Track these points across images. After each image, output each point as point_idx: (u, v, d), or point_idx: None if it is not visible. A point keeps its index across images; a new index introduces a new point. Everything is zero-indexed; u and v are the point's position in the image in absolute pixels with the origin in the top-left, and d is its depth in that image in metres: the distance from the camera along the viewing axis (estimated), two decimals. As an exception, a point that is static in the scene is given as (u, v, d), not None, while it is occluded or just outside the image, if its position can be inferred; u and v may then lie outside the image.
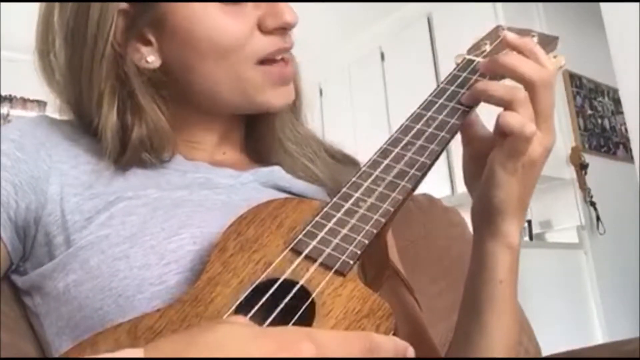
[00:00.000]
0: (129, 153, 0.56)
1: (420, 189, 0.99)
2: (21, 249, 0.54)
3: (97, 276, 0.49)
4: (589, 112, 3.37)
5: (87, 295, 0.49)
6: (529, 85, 0.51)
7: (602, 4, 2.24)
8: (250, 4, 0.57)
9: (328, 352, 0.32)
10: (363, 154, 0.59)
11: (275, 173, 0.62)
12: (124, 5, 0.54)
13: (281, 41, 0.59)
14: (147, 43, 0.57)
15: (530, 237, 3.11)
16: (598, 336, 2.91)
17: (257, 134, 0.67)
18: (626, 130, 2.36)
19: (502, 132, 0.49)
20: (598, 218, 3.08)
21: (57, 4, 0.57)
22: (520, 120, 0.48)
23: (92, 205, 0.53)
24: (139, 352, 0.31)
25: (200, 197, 0.56)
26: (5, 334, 0.53)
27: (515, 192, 0.51)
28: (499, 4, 3.13)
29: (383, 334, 0.38)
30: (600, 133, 3.40)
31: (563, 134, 3.19)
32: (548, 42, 0.59)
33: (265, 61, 0.58)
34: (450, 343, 0.59)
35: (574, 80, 3.32)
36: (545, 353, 0.86)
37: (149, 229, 0.51)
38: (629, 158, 2.82)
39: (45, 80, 0.61)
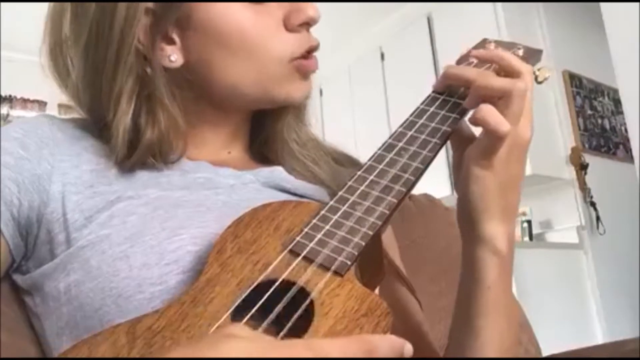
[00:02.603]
0: (136, 156, 0.56)
1: (421, 189, 0.99)
2: (23, 246, 0.54)
3: (98, 276, 0.49)
4: (589, 112, 3.37)
5: (87, 295, 0.49)
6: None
7: (602, 4, 2.24)
8: (273, 4, 0.58)
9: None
10: (363, 154, 0.60)
11: (277, 173, 0.62)
12: (150, 4, 0.55)
13: (309, 39, 0.60)
14: (171, 42, 0.57)
15: (530, 237, 3.11)
16: (598, 336, 2.90)
17: (263, 135, 0.67)
18: (626, 130, 2.36)
19: (475, 124, 0.50)
20: (598, 218, 3.08)
21: (70, 3, 0.57)
22: (496, 118, 0.48)
23: (92, 204, 0.53)
24: None
25: (200, 197, 0.56)
26: (5, 334, 0.53)
27: (492, 188, 0.51)
28: (499, 4, 3.13)
29: (381, 332, 0.38)
30: (600, 133, 3.40)
31: (563, 134, 3.19)
32: (532, 54, 0.60)
33: (296, 57, 0.59)
34: (446, 347, 0.59)
35: (574, 80, 3.32)
36: (545, 353, 0.86)
37: (149, 229, 0.51)
38: (629, 158, 2.82)
39: (56, 79, 0.61)
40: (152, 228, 0.51)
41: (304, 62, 0.60)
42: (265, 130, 0.67)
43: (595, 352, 0.75)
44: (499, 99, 0.50)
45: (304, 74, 0.60)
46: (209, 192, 0.57)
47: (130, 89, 0.55)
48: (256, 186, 0.61)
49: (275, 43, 0.58)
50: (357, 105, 3.96)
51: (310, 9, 0.59)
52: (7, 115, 3.95)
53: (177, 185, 0.57)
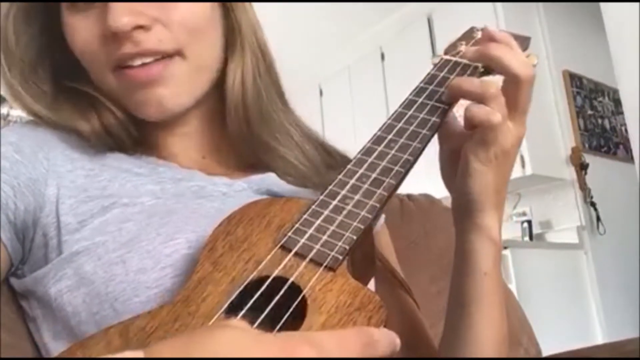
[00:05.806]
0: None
1: (421, 189, 0.99)
2: (20, 250, 0.54)
3: (93, 281, 0.49)
4: (589, 112, 3.37)
5: (83, 300, 0.49)
6: (513, 78, 0.52)
7: (602, 4, 2.24)
8: (97, 7, 0.54)
9: (329, 353, 0.32)
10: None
11: (268, 179, 0.62)
12: None
13: (129, 46, 0.53)
14: None
15: (530, 237, 3.11)
16: (598, 336, 2.91)
17: (236, 139, 0.63)
18: (626, 130, 2.36)
19: (471, 125, 0.51)
20: (598, 218, 3.08)
21: None
22: (486, 110, 0.49)
23: (86, 209, 0.53)
24: (139, 354, 0.31)
25: (194, 204, 0.56)
26: (5, 334, 0.53)
27: (490, 182, 0.52)
28: (499, 4, 3.13)
29: (375, 325, 0.38)
30: (600, 133, 3.40)
31: (563, 134, 3.19)
32: (521, 42, 0.60)
33: (122, 66, 0.55)
34: (441, 338, 0.59)
35: (574, 80, 3.31)
36: (545, 353, 0.86)
37: (145, 235, 0.51)
38: (629, 158, 2.82)
39: None
40: (148, 234, 0.51)
41: (129, 71, 0.55)
42: (239, 133, 0.63)
43: (595, 352, 0.75)
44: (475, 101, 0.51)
45: (136, 84, 0.55)
46: (202, 200, 0.58)
47: None
48: (248, 193, 0.60)
49: (99, 51, 0.55)
50: (357, 105, 3.95)
51: (111, 16, 0.51)
52: (7, 115, 3.94)
53: (171, 193, 0.57)
